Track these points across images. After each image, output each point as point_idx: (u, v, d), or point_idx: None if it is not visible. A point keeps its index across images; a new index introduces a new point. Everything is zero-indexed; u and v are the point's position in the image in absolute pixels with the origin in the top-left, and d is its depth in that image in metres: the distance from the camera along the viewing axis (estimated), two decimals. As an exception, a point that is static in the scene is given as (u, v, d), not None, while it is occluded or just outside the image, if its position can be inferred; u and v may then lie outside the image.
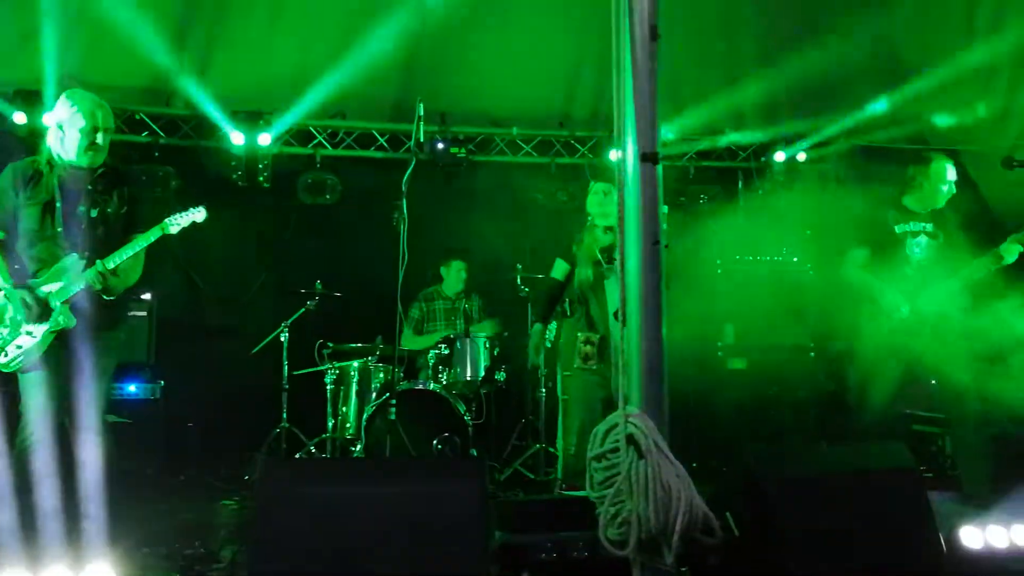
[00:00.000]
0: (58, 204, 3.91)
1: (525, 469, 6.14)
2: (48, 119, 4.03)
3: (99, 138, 3.95)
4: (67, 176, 3.96)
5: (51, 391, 3.85)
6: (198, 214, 4.14)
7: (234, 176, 7.07)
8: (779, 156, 7.83)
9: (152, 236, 3.99)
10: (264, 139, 7.00)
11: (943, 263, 5.03)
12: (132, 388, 5.91)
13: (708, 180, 7.92)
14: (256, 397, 6.55)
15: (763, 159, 7.89)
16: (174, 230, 4.07)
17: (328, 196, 7.33)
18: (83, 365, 3.88)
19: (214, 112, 6.85)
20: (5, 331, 3.87)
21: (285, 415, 6.35)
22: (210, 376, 6.58)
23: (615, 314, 2.88)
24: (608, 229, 4.89)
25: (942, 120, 7.22)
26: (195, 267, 6.52)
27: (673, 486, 2.66)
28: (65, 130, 3.93)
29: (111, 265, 3.91)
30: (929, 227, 5.10)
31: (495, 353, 6.20)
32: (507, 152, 7.64)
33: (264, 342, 6.47)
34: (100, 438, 3.87)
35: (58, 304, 3.89)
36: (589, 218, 5.01)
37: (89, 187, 3.96)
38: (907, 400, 5.73)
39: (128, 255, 3.94)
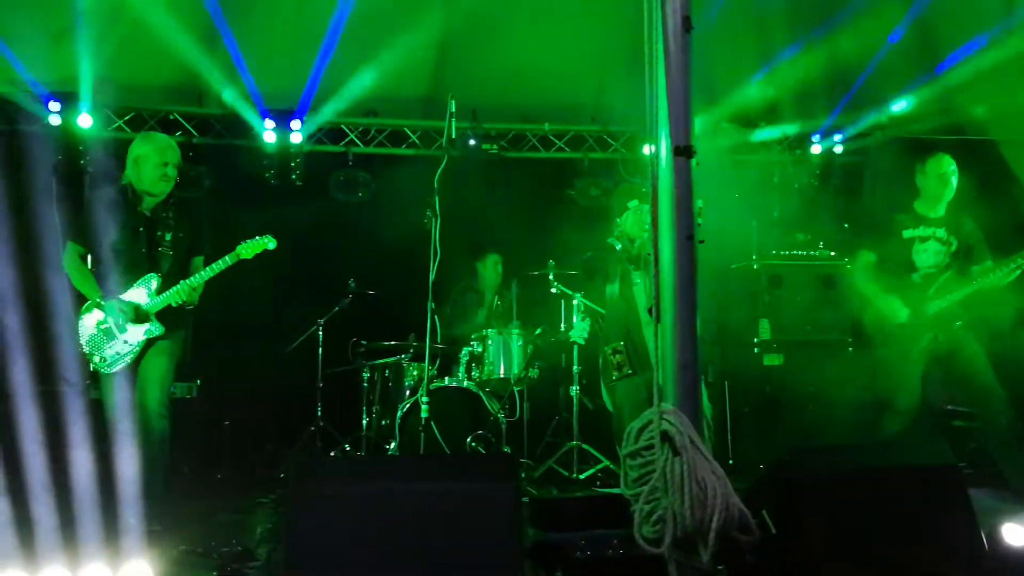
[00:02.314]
0: (141, 229, 4.53)
1: (559, 466, 6.10)
2: (128, 155, 4.64)
3: (169, 171, 4.56)
4: (144, 204, 4.58)
5: (131, 387, 4.47)
6: (269, 242, 4.73)
7: (267, 175, 7.12)
8: (815, 149, 7.72)
9: (229, 260, 4.59)
10: (296, 137, 7.05)
11: (951, 271, 4.97)
12: (170, 390, 5.96)
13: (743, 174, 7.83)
14: (291, 395, 6.58)
15: (799, 152, 7.78)
16: (247, 255, 4.65)
17: (360, 194, 7.36)
18: (160, 362, 4.52)
19: (247, 111, 6.91)
20: (100, 338, 4.49)
21: (319, 413, 6.38)
22: (245, 375, 6.62)
23: (649, 311, 2.85)
24: (632, 240, 4.92)
25: (981, 110, 7.08)
26: (230, 267, 6.56)
27: (709, 483, 2.62)
28: (140, 164, 4.54)
29: (196, 283, 4.53)
30: (940, 232, 5.03)
31: (529, 350, 6.17)
32: (539, 148, 7.62)
33: (298, 341, 6.50)
34: (167, 425, 4.47)
35: (149, 315, 4.49)
36: (625, 231, 5.02)
37: (162, 214, 4.59)
38: (938, 398, 5.66)
39: (208, 277, 4.55)
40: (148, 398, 4.48)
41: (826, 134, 7.63)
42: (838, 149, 7.71)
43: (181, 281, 4.51)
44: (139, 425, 4.46)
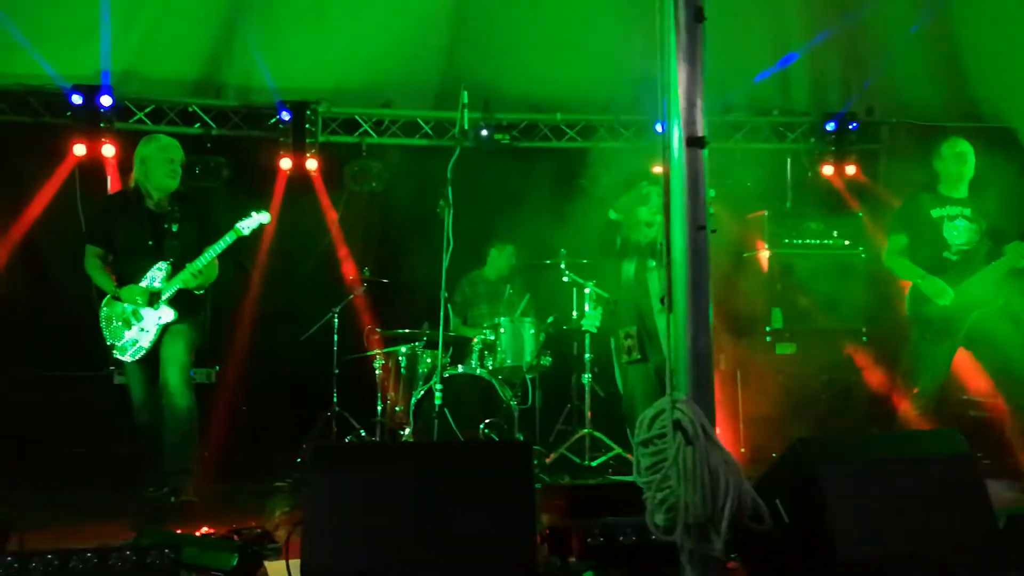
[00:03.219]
0: (147, 224, 4.80)
1: (571, 454, 6.15)
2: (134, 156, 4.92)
3: (175, 167, 4.84)
4: (152, 200, 4.85)
5: (151, 375, 4.78)
6: (263, 216, 4.90)
7: (283, 164, 7.16)
8: (829, 136, 7.67)
9: (229, 239, 4.79)
10: (310, 129, 7.08)
11: (985, 249, 4.95)
12: (190, 372, 6.06)
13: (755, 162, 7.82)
14: (307, 382, 6.67)
15: (812, 140, 7.76)
16: (246, 232, 4.84)
17: (374, 184, 7.39)
18: (179, 345, 4.76)
19: (262, 102, 6.96)
20: (119, 330, 4.76)
21: (335, 399, 6.45)
22: (262, 361, 6.71)
23: (661, 300, 2.87)
24: (649, 225, 4.96)
25: (995, 96, 7.05)
26: (246, 255, 6.63)
27: (721, 472, 2.65)
28: (148, 164, 4.82)
29: (199, 266, 4.72)
30: (967, 211, 5.04)
31: (541, 339, 6.21)
32: (551, 137, 7.63)
33: (314, 328, 6.57)
34: (191, 400, 4.73)
35: (162, 303, 4.73)
36: (636, 214, 5.07)
37: (167, 208, 4.84)
38: (962, 386, 5.66)
39: (211, 257, 4.76)
40: (169, 377, 4.72)
41: (841, 121, 7.59)
42: (853, 137, 7.66)
43: (186, 265, 4.73)
44: (165, 404, 4.72)
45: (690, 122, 2.84)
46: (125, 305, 4.76)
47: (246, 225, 4.85)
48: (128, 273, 4.80)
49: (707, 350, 2.81)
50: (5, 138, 6.69)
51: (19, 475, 5.40)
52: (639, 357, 4.97)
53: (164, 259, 4.78)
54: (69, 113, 6.60)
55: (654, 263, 4.96)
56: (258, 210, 4.91)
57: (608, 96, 7.41)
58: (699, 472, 2.63)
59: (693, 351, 2.78)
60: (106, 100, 6.57)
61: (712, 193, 2.96)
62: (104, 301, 4.86)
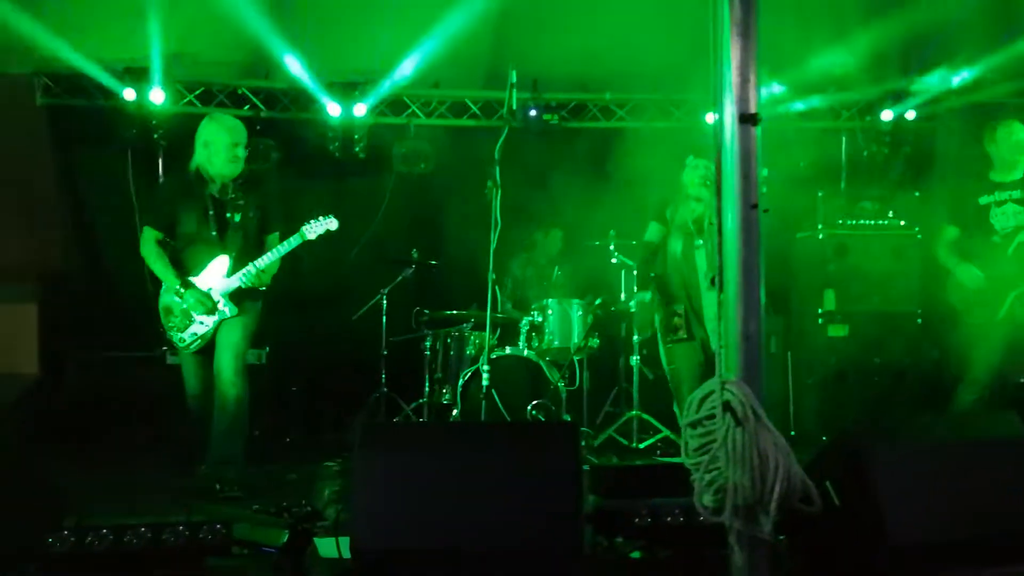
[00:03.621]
0: (210, 211, 4.63)
1: (619, 436, 6.13)
2: (196, 139, 4.71)
3: (239, 152, 4.64)
4: (214, 186, 4.66)
5: (206, 364, 4.70)
6: (331, 223, 4.75)
7: (331, 147, 7.22)
8: (886, 115, 7.49)
9: (294, 242, 4.68)
10: (359, 110, 7.11)
11: None
12: (244, 362, 6.14)
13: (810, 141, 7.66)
14: (356, 362, 6.74)
15: (868, 119, 7.58)
16: (311, 236, 4.72)
17: (423, 165, 7.40)
18: (234, 333, 4.67)
19: (311, 84, 7.00)
20: (178, 320, 4.65)
21: (384, 380, 6.51)
22: (312, 342, 6.79)
23: (711, 280, 2.84)
24: (700, 200, 4.93)
25: None
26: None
27: (771, 454, 2.61)
28: (210, 147, 4.60)
29: (263, 267, 4.63)
30: (1016, 193, 4.99)
31: (589, 320, 6.19)
32: (600, 117, 7.56)
33: (363, 309, 6.63)
34: (245, 385, 4.65)
35: (223, 297, 4.63)
36: (684, 188, 5.06)
37: (231, 195, 4.68)
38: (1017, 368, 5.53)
39: (275, 259, 4.67)
40: (223, 367, 4.63)
41: (897, 100, 7.40)
42: (910, 115, 7.47)
43: (250, 263, 4.62)
44: (216, 392, 4.64)
45: (743, 98, 2.78)
46: (183, 301, 4.63)
47: (312, 230, 4.73)
48: (188, 262, 4.67)
49: (757, 332, 2.76)
50: (59, 121, 6.83)
51: (77, 453, 5.54)
52: (685, 336, 5.00)
53: (226, 251, 4.65)
54: (120, 95, 6.71)
55: (701, 241, 4.94)
56: (326, 215, 4.77)
57: (659, 74, 7.30)
58: (748, 454, 2.60)
59: (743, 332, 2.74)
60: (157, 95, 6.66)
61: (765, 172, 2.91)
62: (163, 290, 4.72)
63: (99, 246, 6.95)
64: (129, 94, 6.69)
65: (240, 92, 7.08)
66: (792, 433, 6.26)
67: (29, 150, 6.72)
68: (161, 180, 6.63)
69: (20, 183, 6.57)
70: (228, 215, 4.65)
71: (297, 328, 6.76)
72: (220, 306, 4.64)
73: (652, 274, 5.29)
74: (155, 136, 6.77)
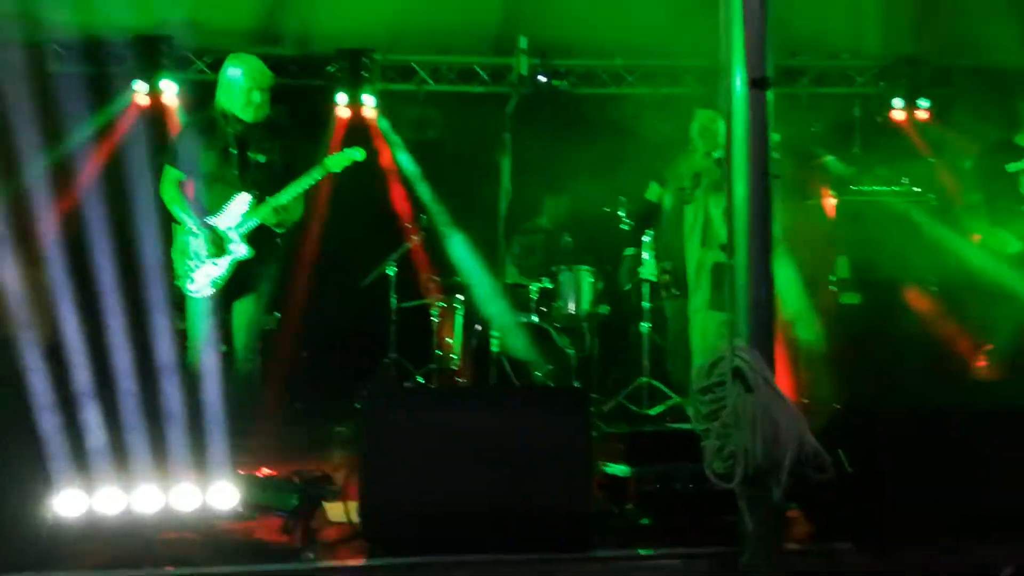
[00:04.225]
0: (232, 151, 4.46)
1: (629, 403, 6.14)
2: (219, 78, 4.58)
3: (257, 96, 4.45)
4: (237, 127, 4.49)
5: (218, 314, 4.50)
6: (357, 153, 4.55)
7: (340, 114, 7.16)
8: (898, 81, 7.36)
9: (316, 175, 4.48)
10: (367, 76, 7.05)
11: None
12: (257, 336, 6.14)
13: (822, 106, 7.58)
14: (366, 328, 6.75)
15: (882, 84, 7.48)
16: (335, 168, 4.53)
17: (431, 132, 7.36)
18: (253, 291, 4.54)
19: (319, 51, 6.95)
20: (192, 263, 4.46)
21: (394, 345, 6.53)
22: (322, 308, 6.80)
23: (722, 247, 2.82)
24: (708, 155, 4.86)
25: None
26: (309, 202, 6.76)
27: (782, 421, 2.61)
28: (234, 88, 4.44)
29: (281, 201, 4.43)
30: None
31: (599, 287, 6.17)
32: (610, 83, 7.48)
33: (373, 275, 6.63)
34: (257, 358, 4.55)
35: (238, 238, 4.44)
36: (691, 144, 5.00)
37: (254, 136, 4.50)
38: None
39: (294, 193, 4.46)
40: (236, 342, 4.55)
41: (912, 64, 7.29)
42: (924, 81, 7.35)
43: (267, 199, 4.46)
44: (228, 366, 4.55)
45: (754, 63, 2.75)
46: (200, 241, 4.47)
47: (336, 161, 4.54)
48: (209, 202, 4.50)
49: (768, 299, 2.76)
50: (70, 88, 6.80)
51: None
52: (677, 293, 4.97)
53: (247, 190, 4.46)
54: (131, 62, 6.68)
55: (693, 194, 4.88)
56: (351, 147, 4.58)
57: (669, 40, 7.21)
58: (759, 420, 2.60)
59: (754, 299, 2.74)
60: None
61: (776, 138, 2.88)
62: (177, 231, 4.55)
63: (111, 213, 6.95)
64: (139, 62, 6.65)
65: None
66: (804, 401, 6.26)
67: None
68: (184, 120, 6.42)
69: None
70: (251, 155, 4.49)
71: (308, 293, 6.78)
72: (236, 247, 4.46)
73: (647, 233, 5.21)
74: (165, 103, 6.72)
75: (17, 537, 2.92)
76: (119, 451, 4.36)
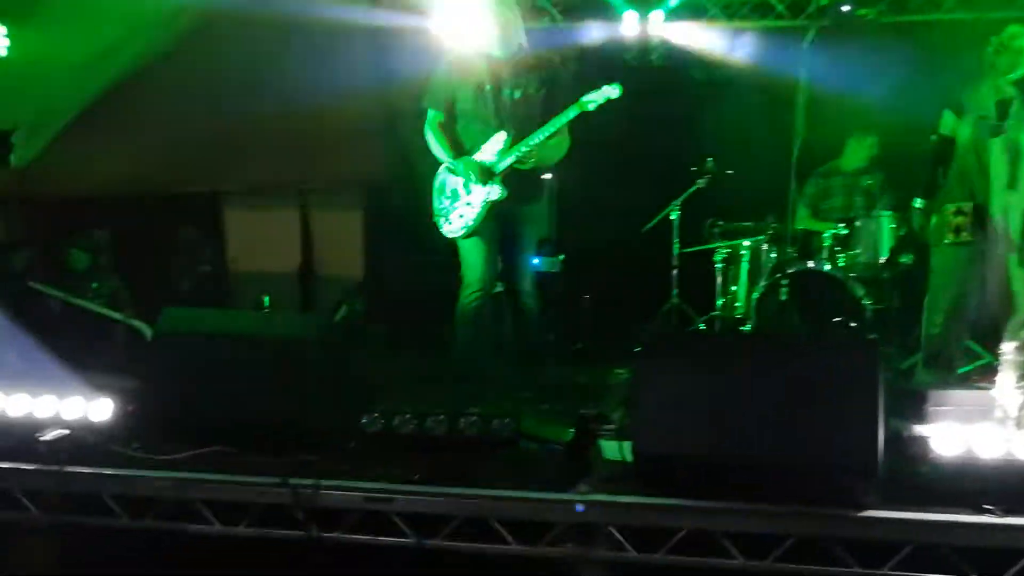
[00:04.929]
0: (488, 87, 4.39)
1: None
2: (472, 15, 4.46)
3: (512, 31, 4.36)
4: (493, 63, 4.41)
5: (488, 257, 4.49)
6: (612, 91, 4.33)
7: (627, 56, 7.12)
8: None
9: (571, 113, 4.30)
10: (657, 16, 6.93)
11: None
12: (535, 261, 6.36)
13: None
14: (647, 273, 6.75)
15: None
16: (591, 107, 4.32)
17: (722, 71, 7.09)
18: (513, 233, 4.53)
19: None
20: (447, 202, 4.50)
21: (675, 292, 6.48)
22: (605, 251, 6.88)
23: (1009, 183, 2.46)
24: (1015, 83, 4.20)
25: None
26: (590, 147, 6.83)
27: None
28: (484, 24, 4.35)
29: (538, 140, 4.31)
30: None
31: (901, 233, 5.67)
32: (926, 9, 6.73)
33: (655, 220, 6.60)
34: (529, 301, 4.59)
35: (494, 176, 4.38)
36: (989, 67, 4.35)
37: (511, 73, 4.41)
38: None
39: (551, 131, 4.30)
40: (522, 282, 4.64)
41: None
42: None
43: (523, 138, 4.35)
44: (515, 300, 4.70)
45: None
46: (458, 177, 4.48)
47: (592, 99, 4.32)
48: (467, 141, 4.48)
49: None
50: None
51: (388, 346, 6.16)
52: (969, 239, 4.32)
53: (504, 128, 4.38)
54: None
55: (1000, 125, 4.22)
56: (609, 83, 4.35)
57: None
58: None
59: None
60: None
61: None
62: (440, 170, 4.58)
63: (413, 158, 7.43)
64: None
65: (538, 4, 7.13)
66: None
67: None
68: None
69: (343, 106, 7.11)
70: (506, 92, 4.39)
71: (591, 237, 6.89)
72: (490, 187, 4.39)
73: (942, 177, 4.58)
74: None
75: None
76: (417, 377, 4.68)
